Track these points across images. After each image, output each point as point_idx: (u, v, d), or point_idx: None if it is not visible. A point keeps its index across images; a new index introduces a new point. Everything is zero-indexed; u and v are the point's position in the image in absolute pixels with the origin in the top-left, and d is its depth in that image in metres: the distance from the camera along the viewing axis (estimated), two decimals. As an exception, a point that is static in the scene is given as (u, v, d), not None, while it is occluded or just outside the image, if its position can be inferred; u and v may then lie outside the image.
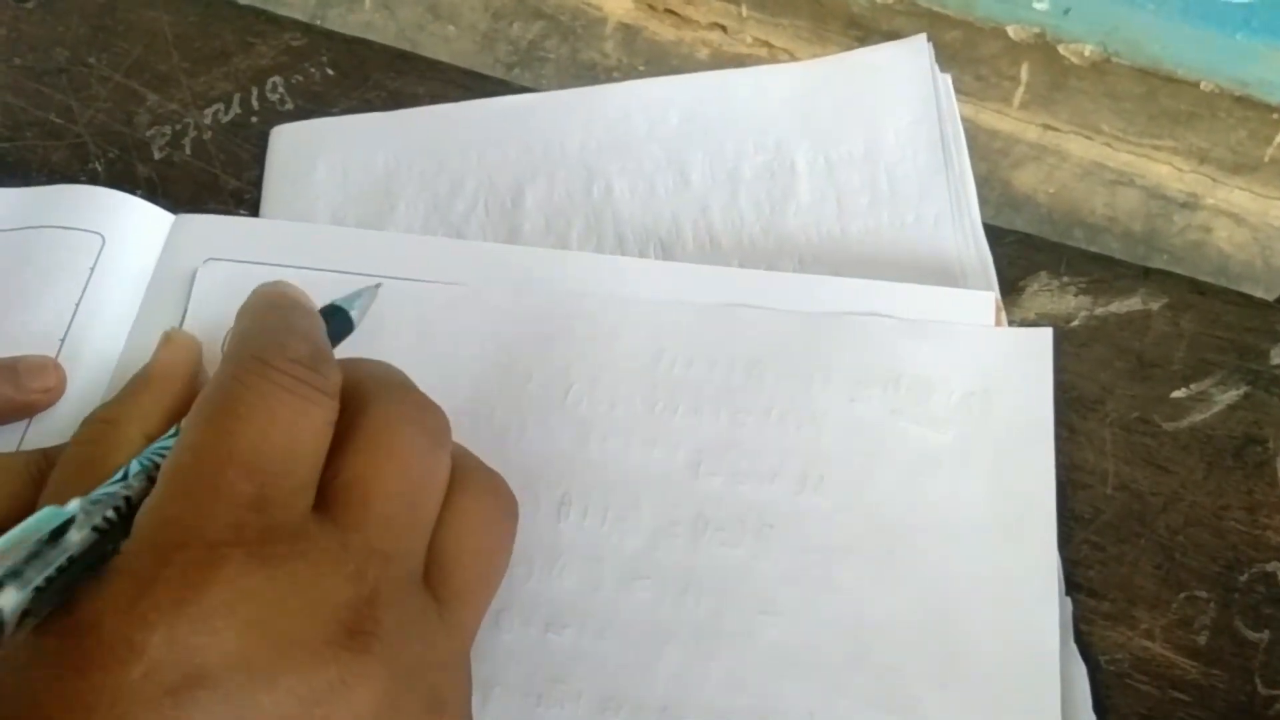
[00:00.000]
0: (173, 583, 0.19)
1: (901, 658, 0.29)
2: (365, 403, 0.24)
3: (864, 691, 0.28)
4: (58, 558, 0.20)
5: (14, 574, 0.19)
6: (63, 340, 0.33)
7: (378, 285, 0.33)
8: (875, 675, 0.29)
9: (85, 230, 0.35)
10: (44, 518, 0.20)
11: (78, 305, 0.33)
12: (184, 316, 0.34)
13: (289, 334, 0.25)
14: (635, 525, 0.31)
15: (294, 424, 0.22)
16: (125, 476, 0.23)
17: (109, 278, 0.34)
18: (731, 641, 0.29)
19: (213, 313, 0.34)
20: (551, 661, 0.28)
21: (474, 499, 0.25)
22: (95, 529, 0.21)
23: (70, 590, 0.20)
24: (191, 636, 0.19)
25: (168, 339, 0.30)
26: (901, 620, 0.29)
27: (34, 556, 0.19)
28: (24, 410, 0.32)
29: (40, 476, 0.29)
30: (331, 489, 0.23)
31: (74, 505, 0.21)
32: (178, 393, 0.28)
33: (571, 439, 0.32)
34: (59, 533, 0.20)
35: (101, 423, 0.27)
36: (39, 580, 0.19)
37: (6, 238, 0.35)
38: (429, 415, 0.26)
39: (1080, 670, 0.29)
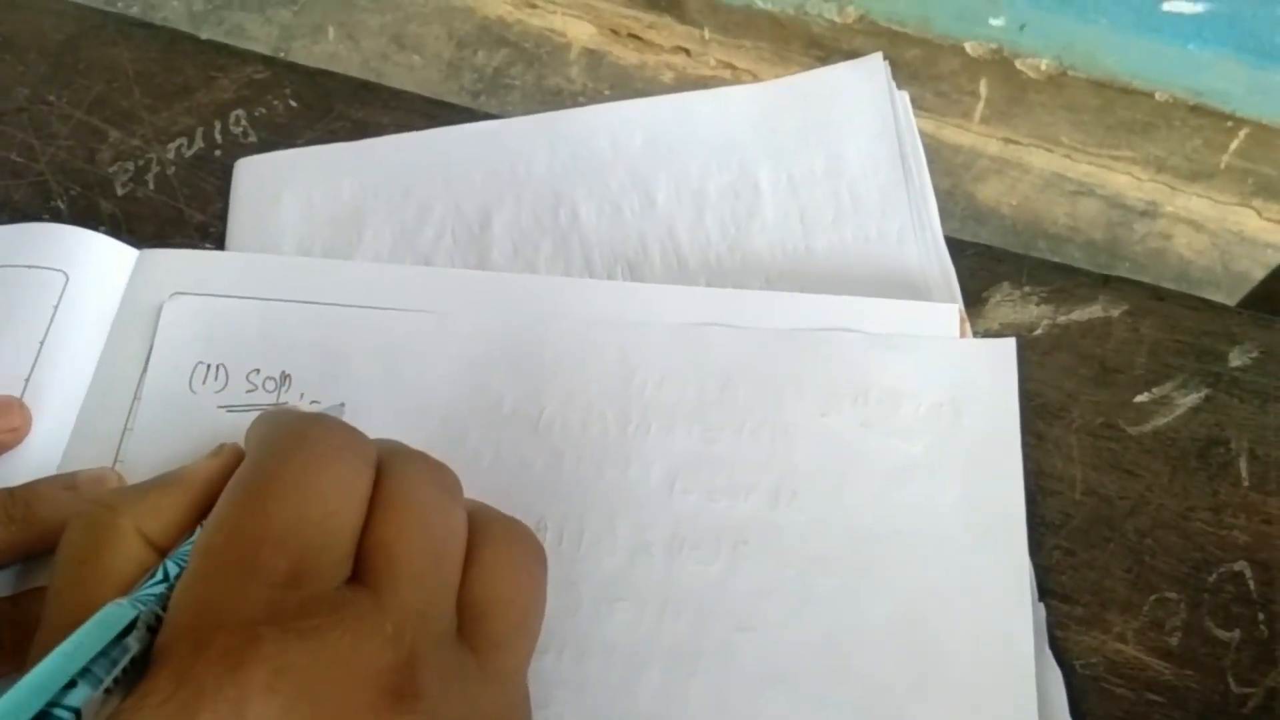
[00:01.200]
0: (211, 668, 0.19)
1: (879, 670, 0.29)
2: (381, 468, 0.25)
3: (844, 705, 0.29)
4: (121, 657, 0.20)
5: (85, 672, 0.19)
6: (27, 379, 0.32)
7: (341, 404, 0.32)
8: (854, 688, 0.29)
9: (48, 268, 0.34)
10: (111, 618, 0.20)
11: (42, 344, 0.33)
12: (150, 351, 0.34)
13: (318, 415, 0.26)
14: (611, 547, 0.31)
15: (333, 497, 0.23)
16: (167, 577, 0.23)
17: (73, 315, 0.34)
18: (711, 659, 0.29)
19: (178, 347, 0.34)
20: (534, 687, 0.28)
21: (496, 548, 0.25)
22: (150, 628, 0.21)
23: (127, 685, 0.20)
24: None
25: (221, 451, 0.28)
26: (878, 632, 0.29)
27: (101, 655, 0.19)
28: None
29: (4, 515, 0.29)
30: (360, 553, 0.23)
31: (125, 603, 0.21)
32: (194, 503, 0.26)
33: (545, 463, 0.32)
34: (124, 633, 0.20)
35: (102, 509, 0.25)
36: (108, 681, 0.19)
37: (-32, 278, 0.35)
38: (441, 473, 0.26)
39: (1056, 676, 0.29)
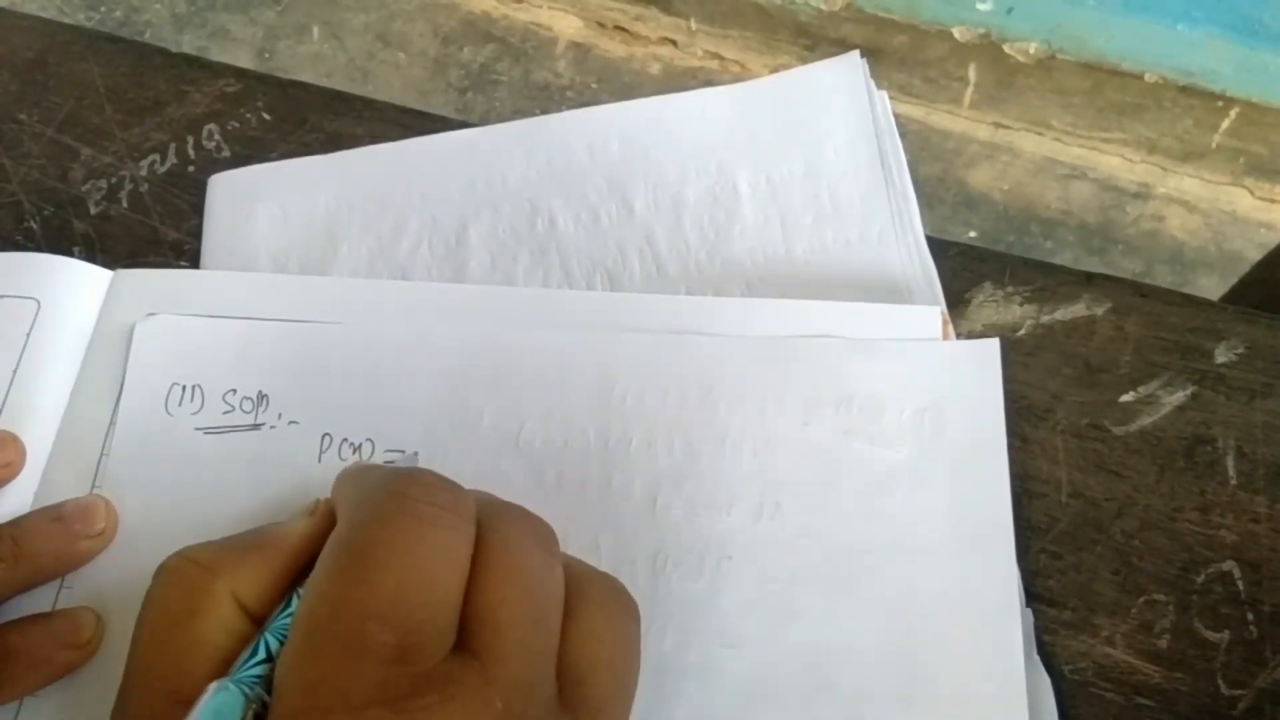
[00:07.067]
0: None
1: (867, 683, 0.29)
2: (480, 526, 0.24)
3: (831, 719, 0.28)
4: None
5: None
6: (0, 409, 0.32)
7: (415, 454, 0.32)
8: (842, 702, 0.28)
9: (19, 297, 0.34)
10: (224, 706, 0.20)
11: (15, 372, 0.33)
12: (124, 372, 0.34)
13: (416, 470, 0.24)
14: (595, 564, 0.30)
15: (437, 563, 0.22)
16: (269, 655, 0.22)
17: (46, 342, 0.33)
18: (697, 676, 0.29)
19: (152, 369, 0.34)
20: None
21: (594, 608, 0.24)
22: (256, 715, 0.20)
23: None
24: None
25: (315, 510, 0.26)
26: (865, 645, 0.29)
27: None
28: None
29: None
30: (463, 617, 0.22)
31: (232, 688, 0.21)
32: (288, 566, 0.25)
33: (526, 480, 0.32)
34: None
35: (197, 568, 0.24)
36: None
37: (-61, 307, 0.34)
38: (540, 529, 0.25)
39: (1045, 682, 0.29)
